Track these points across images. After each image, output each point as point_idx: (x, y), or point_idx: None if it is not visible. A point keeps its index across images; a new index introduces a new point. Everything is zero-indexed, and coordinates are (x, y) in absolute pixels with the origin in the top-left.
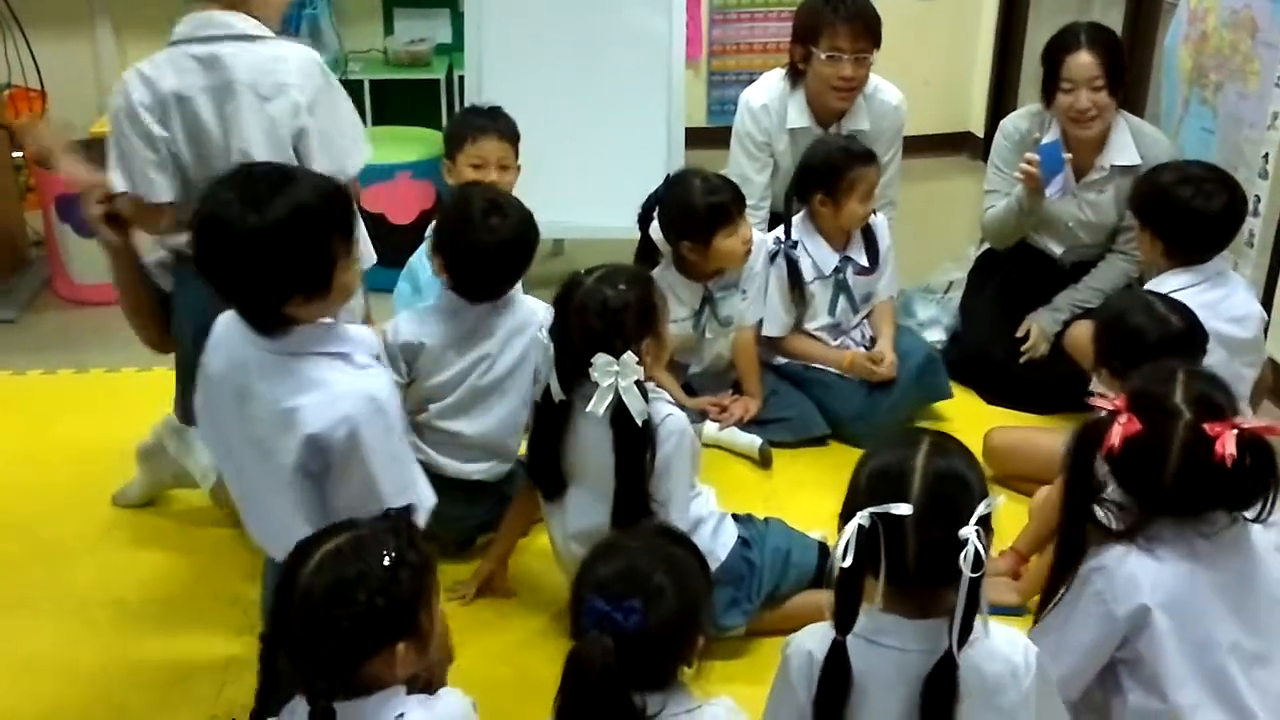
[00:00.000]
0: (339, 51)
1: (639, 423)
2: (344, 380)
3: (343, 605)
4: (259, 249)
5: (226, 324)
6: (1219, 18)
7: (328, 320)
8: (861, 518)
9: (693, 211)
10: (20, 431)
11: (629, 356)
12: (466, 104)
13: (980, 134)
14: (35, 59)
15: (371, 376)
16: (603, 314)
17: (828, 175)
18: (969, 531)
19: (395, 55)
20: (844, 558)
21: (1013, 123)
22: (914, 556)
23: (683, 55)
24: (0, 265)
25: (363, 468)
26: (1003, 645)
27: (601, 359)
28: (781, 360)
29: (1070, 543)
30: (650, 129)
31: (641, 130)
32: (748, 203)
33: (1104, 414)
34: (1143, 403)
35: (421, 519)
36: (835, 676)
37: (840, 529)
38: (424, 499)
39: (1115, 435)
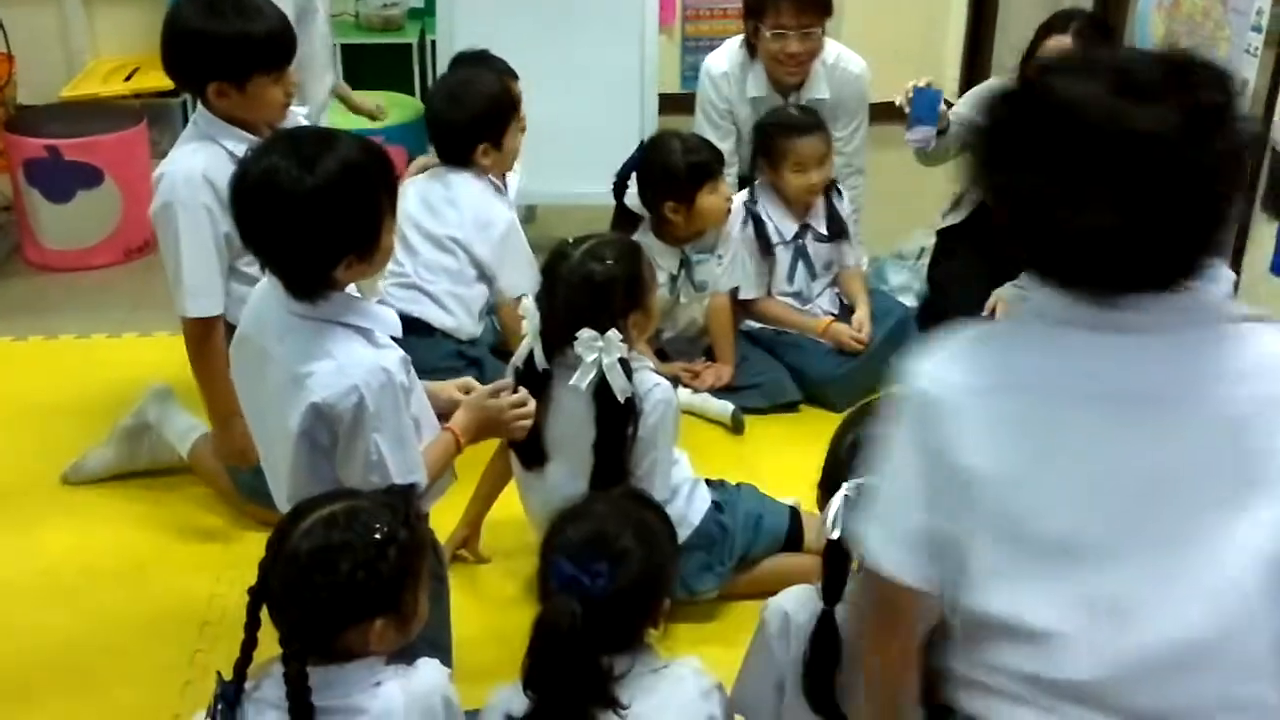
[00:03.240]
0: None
1: (621, 400)
2: (359, 353)
3: (324, 572)
4: (315, 209)
5: (260, 290)
6: None
7: (355, 293)
8: (848, 489)
9: (675, 172)
10: None
11: (613, 334)
12: (441, 70)
13: (953, 103)
14: (2, 23)
15: (387, 354)
16: (588, 290)
17: (765, 145)
18: None
19: (367, 19)
20: (833, 529)
21: (988, 88)
22: None
23: (656, 20)
24: None
25: (370, 442)
26: None
27: (586, 334)
28: (753, 326)
29: None
30: (624, 95)
31: (615, 96)
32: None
33: None
34: None
35: (424, 505)
36: (825, 646)
37: (820, 500)
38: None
39: None
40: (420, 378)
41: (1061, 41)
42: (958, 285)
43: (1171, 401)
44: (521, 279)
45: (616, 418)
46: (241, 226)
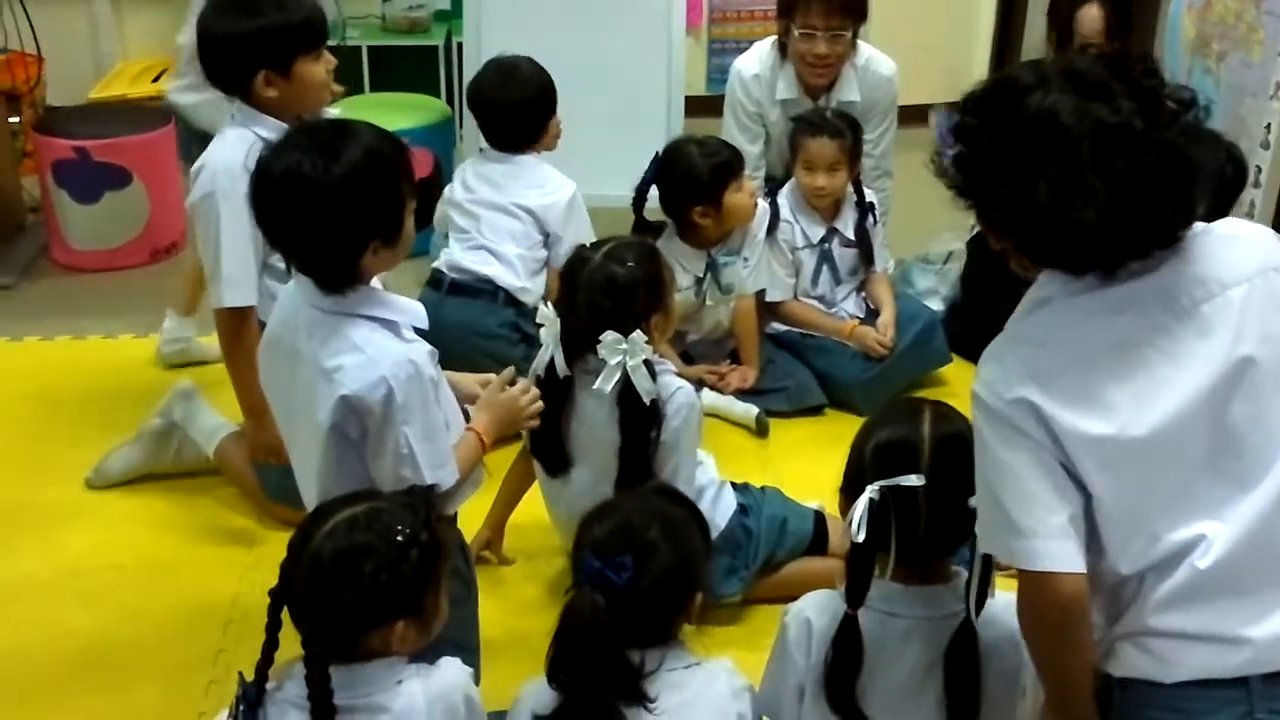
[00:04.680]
0: (337, 17)
1: (646, 402)
2: (386, 345)
3: (347, 574)
4: (342, 196)
5: (288, 290)
6: None
7: (377, 286)
8: (873, 491)
9: (698, 176)
10: (16, 397)
11: (637, 335)
12: (467, 72)
13: None
14: (33, 25)
15: (414, 347)
16: (610, 292)
17: (791, 139)
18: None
19: (393, 21)
20: (858, 532)
21: None
22: (925, 526)
23: (683, 22)
24: None
25: (400, 435)
26: (1001, 612)
27: (610, 337)
28: (779, 329)
29: None
30: (650, 97)
31: (642, 98)
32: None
33: None
34: None
35: (454, 504)
36: (847, 650)
37: (843, 504)
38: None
39: None
40: (476, 339)
41: (1091, 12)
42: (993, 290)
43: (1207, 301)
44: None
45: (640, 421)
46: (267, 224)
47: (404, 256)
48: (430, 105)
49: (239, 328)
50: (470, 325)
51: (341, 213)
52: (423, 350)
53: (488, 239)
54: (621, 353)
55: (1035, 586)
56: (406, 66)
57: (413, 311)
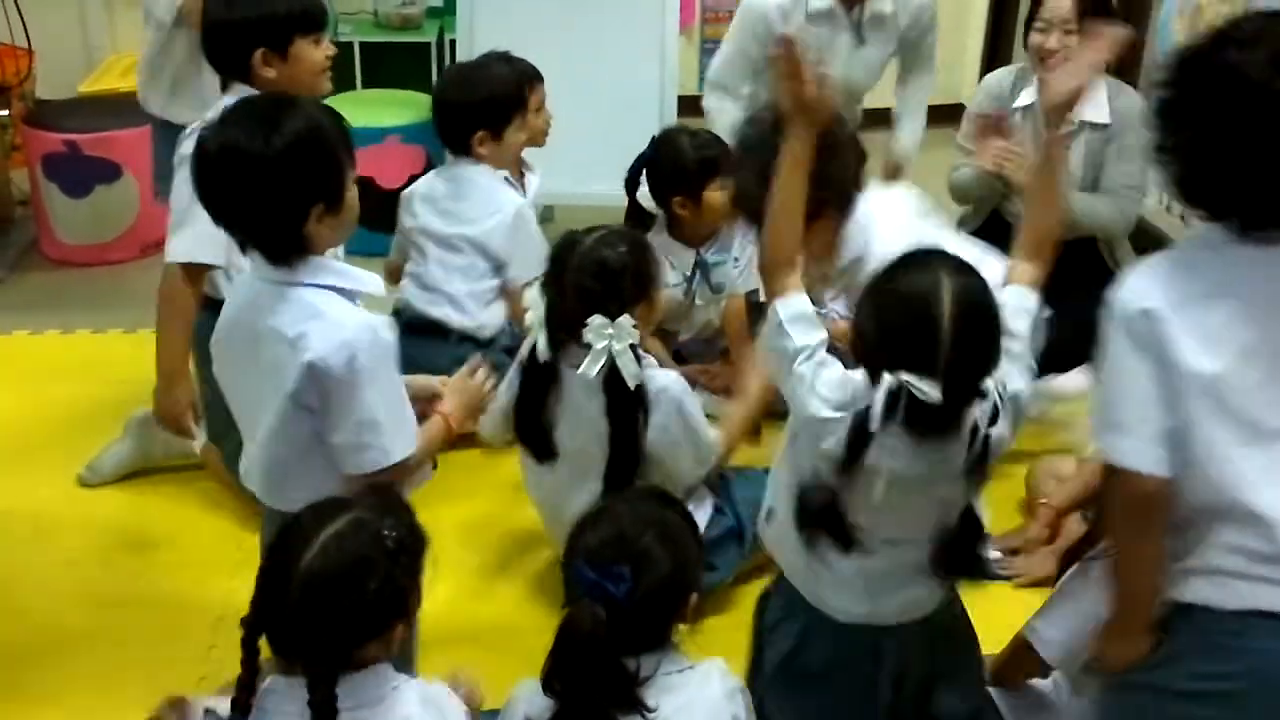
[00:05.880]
0: (330, 13)
1: (631, 386)
2: (347, 311)
3: (350, 592)
4: (282, 166)
5: (243, 277)
6: None
7: (331, 258)
8: (890, 383)
9: (683, 166)
10: (5, 392)
11: (625, 319)
12: None
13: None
14: (23, 17)
15: (371, 315)
16: (600, 275)
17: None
18: (986, 408)
19: (386, 17)
20: (876, 424)
21: (995, 78)
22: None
23: (676, 22)
24: None
25: (361, 399)
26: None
27: (597, 320)
28: None
29: None
30: (643, 96)
31: (635, 97)
32: (736, 82)
33: None
34: None
35: (404, 492)
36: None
37: (855, 353)
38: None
39: None
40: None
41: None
42: None
43: None
44: (534, 264)
45: (627, 407)
46: (209, 198)
47: (352, 228)
48: (422, 102)
49: (187, 286)
50: (423, 366)
51: (279, 179)
52: (381, 318)
53: (435, 279)
54: (608, 337)
55: (1121, 482)
56: (399, 63)
57: (367, 279)
